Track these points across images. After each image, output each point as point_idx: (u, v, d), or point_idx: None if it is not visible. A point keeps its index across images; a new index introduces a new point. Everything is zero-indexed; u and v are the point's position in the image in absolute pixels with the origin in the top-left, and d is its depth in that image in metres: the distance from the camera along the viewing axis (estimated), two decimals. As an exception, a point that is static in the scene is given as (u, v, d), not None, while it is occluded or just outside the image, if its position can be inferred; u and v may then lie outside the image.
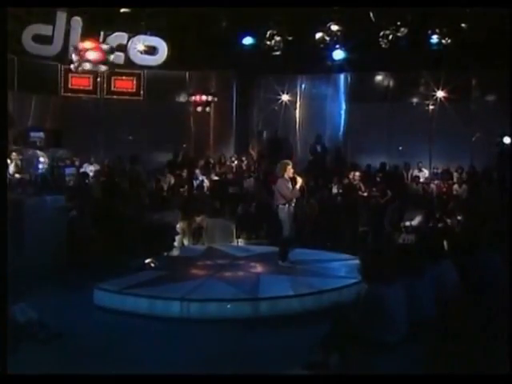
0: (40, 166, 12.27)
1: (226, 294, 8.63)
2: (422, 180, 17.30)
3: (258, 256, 11.41)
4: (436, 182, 17.49)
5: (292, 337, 7.65)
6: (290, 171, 10.62)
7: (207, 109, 17.98)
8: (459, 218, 12.49)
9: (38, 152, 12.46)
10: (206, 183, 15.61)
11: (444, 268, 6.53)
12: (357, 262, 11.11)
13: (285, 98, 18.92)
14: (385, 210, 13.71)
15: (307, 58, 17.70)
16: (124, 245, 11.63)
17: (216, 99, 17.93)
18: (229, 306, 8.30)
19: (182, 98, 18.58)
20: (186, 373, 6.01)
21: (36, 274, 9.74)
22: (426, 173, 17.98)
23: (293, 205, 10.59)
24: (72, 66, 16.40)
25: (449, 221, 12.30)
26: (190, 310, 8.31)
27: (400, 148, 18.69)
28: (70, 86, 17.71)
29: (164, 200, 14.25)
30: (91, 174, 15.37)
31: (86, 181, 14.59)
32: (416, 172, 17.79)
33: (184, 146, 17.06)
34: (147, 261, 10.77)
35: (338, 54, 18.12)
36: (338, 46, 17.71)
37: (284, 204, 10.49)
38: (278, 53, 16.95)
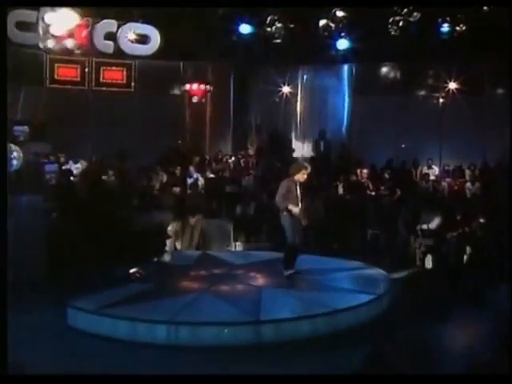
0: (14, 163, 10.60)
1: (221, 314, 7.02)
2: (432, 178, 15.74)
3: (259, 264, 9.80)
4: (447, 179, 15.93)
5: (302, 367, 6.10)
6: (302, 176, 8.86)
7: (203, 99, 16.32)
8: (482, 220, 10.88)
9: (12, 146, 10.81)
10: (201, 181, 13.97)
11: (503, 295, 4.93)
12: (371, 271, 9.77)
13: (285, 89, 17.27)
14: (396, 210, 12.12)
15: (310, 48, 16.10)
16: (110, 251, 10.06)
17: (212, 88, 16.25)
18: (226, 331, 6.70)
19: (176, 90, 16.88)
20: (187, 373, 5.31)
21: (6, 288, 8.13)
22: (436, 170, 16.41)
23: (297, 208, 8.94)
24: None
25: (472, 225, 10.71)
26: (178, 335, 6.71)
27: (403, 145, 17.09)
28: (56, 76, 16.06)
29: (155, 200, 12.64)
30: (76, 171, 13.72)
31: (71, 178, 12.97)
32: (425, 169, 16.22)
33: (179, 141, 15.31)
34: (132, 270, 9.19)
35: (343, 44, 16.55)
36: (342, 35, 16.10)
37: (283, 208, 8.86)
38: (278, 40, 15.32)
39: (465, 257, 10.55)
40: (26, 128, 15.45)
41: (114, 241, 10.41)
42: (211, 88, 16.28)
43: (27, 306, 7.81)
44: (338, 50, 16.61)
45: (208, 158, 16.24)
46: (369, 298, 7.58)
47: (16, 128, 14.65)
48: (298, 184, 8.86)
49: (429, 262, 11.02)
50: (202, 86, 16.12)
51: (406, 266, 10.96)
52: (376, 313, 7.51)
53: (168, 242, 12.00)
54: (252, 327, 6.74)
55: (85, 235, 10.44)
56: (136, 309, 7.28)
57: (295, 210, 8.70)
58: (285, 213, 8.83)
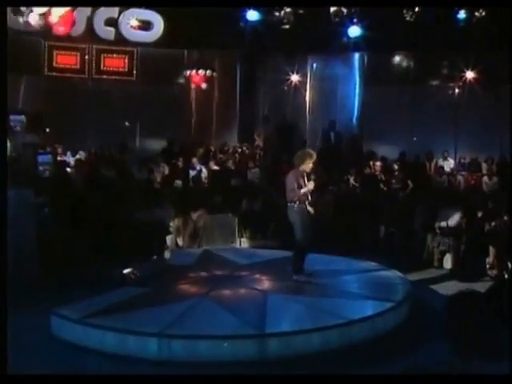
0: (2, 154, 9.69)
1: (222, 325, 6.11)
2: (446, 171, 14.75)
3: (266, 264, 8.91)
4: (463, 173, 14.93)
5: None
6: (308, 166, 8.01)
7: (205, 86, 15.34)
8: (506, 218, 9.92)
9: (1, 136, 9.90)
10: (205, 174, 13.02)
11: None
12: (387, 273, 8.85)
13: (294, 78, 16.23)
14: (412, 206, 11.16)
15: (320, 35, 15.05)
16: (105, 250, 9.19)
17: (215, 74, 15.26)
18: (225, 345, 5.79)
19: (180, 79, 15.88)
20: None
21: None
22: (451, 163, 15.41)
23: (307, 202, 8.03)
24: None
25: (495, 222, 9.75)
26: (171, 349, 5.82)
27: (415, 139, 16.09)
28: (54, 64, 15.14)
29: (155, 194, 11.73)
30: (73, 163, 12.84)
31: (66, 171, 12.09)
32: (440, 161, 15.22)
33: (180, 131, 14.31)
34: (127, 271, 8.29)
35: (355, 31, 15.54)
36: (354, 21, 15.10)
37: (294, 202, 7.95)
38: (287, 26, 14.31)
39: (487, 259, 9.65)
40: (22, 117, 14.63)
41: (109, 238, 9.58)
42: (214, 74, 15.26)
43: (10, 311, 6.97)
44: (349, 38, 15.60)
45: (213, 149, 15.27)
46: (387, 305, 6.65)
47: (13, 117, 13.82)
48: (305, 175, 7.98)
49: (447, 263, 10.10)
50: (204, 72, 15.10)
51: (423, 267, 10.07)
52: (395, 323, 6.59)
53: (169, 238, 11.19)
54: (255, 341, 5.82)
55: (77, 232, 9.60)
56: (126, 318, 6.39)
57: (310, 186, 7.85)
58: (295, 207, 7.93)
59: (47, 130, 14.89)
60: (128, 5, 14.79)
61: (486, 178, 14.24)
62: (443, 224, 10.30)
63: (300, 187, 7.87)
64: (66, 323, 6.48)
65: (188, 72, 15.19)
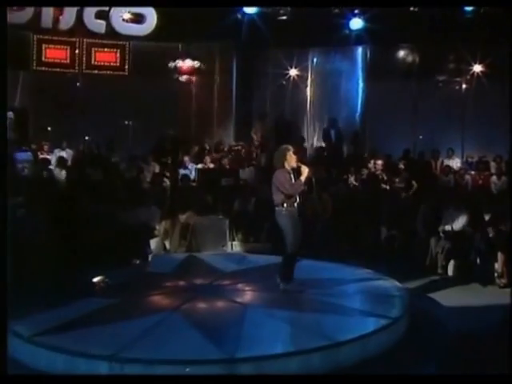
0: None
1: (187, 346, 5.20)
2: (453, 170, 13.76)
3: (253, 271, 8.03)
4: (471, 172, 13.92)
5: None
6: (292, 160, 7.23)
7: (193, 78, 14.42)
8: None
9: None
10: (196, 173, 12.13)
11: None
12: (384, 283, 7.92)
13: (293, 73, 15.26)
14: (415, 207, 10.21)
15: (320, 27, 14.10)
16: (83, 255, 8.31)
17: (203, 66, 14.33)
18: (187, 371, 4.88)
19: (168, 72, 14.88)
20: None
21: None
22: (457, 161, 14.42)
23: (296, 205, 7.16)
24: None
25: (504, 226, 8.78)
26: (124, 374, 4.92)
27: (421, 137, 15.12)
28: (44, 58, 14.29)
29: (142, 194, 10.85)
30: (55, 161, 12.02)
31: (48, 169, 11.27)
32: (446, 161, 14.24)
33: (172, 130, 13.42)
34: (96, 279, 7.43)
35: (356, 23, 14.59)
36: (356, 12, 14.16)
37: (283, 204, 7.09)
38: (284, 17, 13.37)
39: (496, 264, 8.70)
40: (10, 114, 13.90)
41: (85, 242, 8.72)
42: (201, 65, 14.33)
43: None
44: (351, 31, 14.66)
45: (208, 147, 14.37)
46: (381, 323, 5.73)
47: (-1, 114, 13.04)
48: (291, 172, 7.13)
49: (452, 269, 9.14)
50: (190, 62, 14.17)
51: (426, 274, 9.13)
52: (390, 343, 5.66)
53: (154, 242, 10.33)
54: (223, 367, 4.91)
55: (51, 235, 8.75)
56: (82, 335, 5.51)
57: (303, 178, 7.07)
58: (284, 210, 7.08)
59: (49, 128, 14.21)
60: (127, 5, 13.99)
61: (494, 178, 13.25)
62: (448, 227, 9.36)
63: (289, 183, 7.06)
64: (16, 341, 5.60)
65: (174, 63, 14.23)
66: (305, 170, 7.19)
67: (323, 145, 14.76)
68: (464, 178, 13.50)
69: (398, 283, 7.35)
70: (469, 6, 12.69)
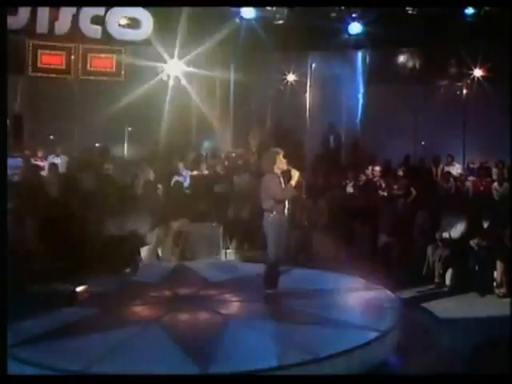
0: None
1: (161, 360, 4.92)
2: (453, 176, 13.41)
3: (242, 281, 7.73)
4: (471, 178, 13.57)
5: None
6: (281, 163, 6.96)
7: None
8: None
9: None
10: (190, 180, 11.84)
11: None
12: (375, 293, 7.58)
13: (291, 78, 15.01)
14: (412, 214, 9.89)
15: (318, 32, 13.81)
16: (73, 262, 8.06)
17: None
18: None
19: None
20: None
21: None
22: (458, 168, 14.08)
23: (286, 212, 6.89)
24: None
25: (504, 233, 8.44)
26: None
27: (423, 143, 14.81)
28: (39, 64, 14.04)
29: (134, 200, 10.58)
30: (46, 167, 11.79)
31: (39, 176, 11.03)
32: (446, 167, 13.89)
33: (169, 135, 13.11)
34: (79, 289, 7.16)
35: (355, 28, 14.32)
36: (354, 16, 13.89)
37: (272, 211, 6.81)
38: (280, 22, 13.11)
39: (495, 273, 8.36)
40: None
41: (72, 249, 8.46)
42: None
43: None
44: (350, 35, 14.38)
45: (205, 154, 14.09)
46: (367, 337, 5.41)
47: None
48: (281, 177, 6.86)
49: (450, 278, 8.80)
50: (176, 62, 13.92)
51: (423, 283, 8.79)
52: (378, 358, 5.35)
53: (146, 250, 10.06)
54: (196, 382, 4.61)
55: (37, 243, 8.50)
56: (55, 348, 5.24)
57: (296, 174, 6.83)
58: (271, 216, 6.82)
59: (51, 137, 13.99)
60: (126, 5, 13.75)
61: (495, 184, 12.89)
62: (445, 235, 9.03)
63: (279, 187, 6.79)
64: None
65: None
66: (295, 174, 6.93)
67: (321, 150, 14.46)
68: (465, 185, 13.18)
69: (390, 293, 7.04)
70: (469, 6, 12.37)
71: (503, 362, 5.37)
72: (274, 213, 6.81)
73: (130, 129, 14.74)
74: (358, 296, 6.95)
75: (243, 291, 7.17)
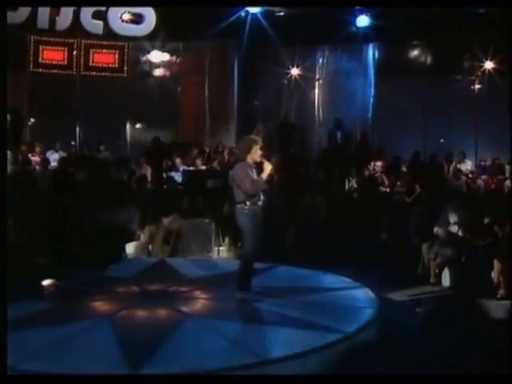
0: None
1: (96, 358, 4.49)
2: (464, 173, 12.74)
3: (220, 278, 7.26)
4: (483, 176, 12.88)
5: None
6: (256, 154, 6.44)
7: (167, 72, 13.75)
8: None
9: None
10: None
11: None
12: (355, 292, 7.00)
13: (297, 72, 14.42)
14: (411, 212, 9.28)
15: (324, 25, 13.27)
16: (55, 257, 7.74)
17: (180, 60, 13.64)
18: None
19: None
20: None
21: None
22: (469, 165, 13.39)
23: (260, 203, 6.40)
24: None
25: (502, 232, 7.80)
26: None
27: (433, 139, 14.16)
28: (41, 60, 13.83)
29: (125, 196, 10.21)
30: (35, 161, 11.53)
31: (29, 170, 10.76)
32: (458, 164, 13.21)
33: (170, 130, 12.69)
34: (47, 282, 6.80)
35: (363, 21, 13.77)
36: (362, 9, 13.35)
37: (245, 202, 6.33)
38: (287, 14, 12.61)
39: (492, 273, 7.72)
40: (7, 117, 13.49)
41: (56, 244, 8.13)
42: (178, 59, 13.66)
43: None
44: (357, 28, 13.81)
45: (208, 150, 13.66)
46: (328, 338, 4.89)
47: (-5, 116, 12.66)
48: (253, 167, 6.37)
49: (446, 279, 8.18)
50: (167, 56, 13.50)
51: (417, 283, 8.19)
52: (339, 359, 4.83)
53: (136, 246, 9.70)
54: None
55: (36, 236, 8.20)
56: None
57: (269, 167, 6.33)
58: (246, 209, 6.33)
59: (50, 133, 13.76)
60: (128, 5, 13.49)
61: (508, 182, 12.19)
62: (442, 232, 8.39)
63: (249, 179, 6.28)
64: None
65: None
66: (267, 168, 6.42)
67: (328, 146, 13.90)
68: (476, 183, 12.51)
69: (371, 294, 6.48)
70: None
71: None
72: (248, 204, 6.32)
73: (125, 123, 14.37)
74: (334, 296, 6.41)
75: (216, 289, 6.71)
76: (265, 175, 6.38)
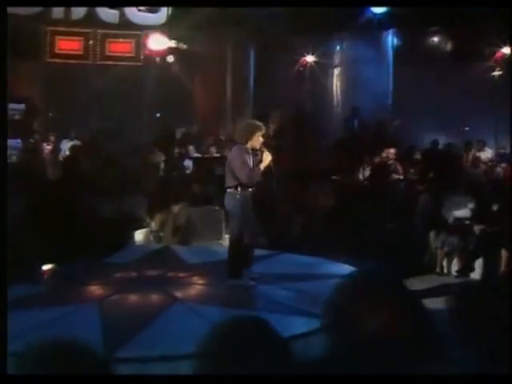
0: None
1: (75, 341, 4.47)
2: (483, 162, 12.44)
3: (220, 264, 7.16)
4: (503, 164, 12.55)
5: None
6: (257, 141, 6.29)
7: (169, 59, 13.63)
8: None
9: None
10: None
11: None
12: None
13: (312, 59, 14.19)
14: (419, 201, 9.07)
15: (341, 12, 13.03)
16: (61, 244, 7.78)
17: (183, 46, 13.51)
18: None
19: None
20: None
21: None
22: (489, 153, 13.07)
23: (250, 190, 6.29)
24: None
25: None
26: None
27: (467, 128, 13.84)
28: (56, 50, 13.90)
29: (133, 183, 10.22)
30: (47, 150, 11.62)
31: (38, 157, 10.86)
32: (476, 152, 12.90)
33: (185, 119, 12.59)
34: (46, 267, 6.82)
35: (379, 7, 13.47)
36: None
37: (237, 187, 6.22)
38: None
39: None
40: (22, 106, 13.62)
41: (62, 231, 8.17)
42: (193, 48, 13.55)
43: None
44: (374, 15, 13.53)
45: (223, 138, 13.58)
46: (313, 325, 4.79)
47: (12, 106, 12.77)
48: (251, 154, 6.24)
49: (454, 268, 7.99)
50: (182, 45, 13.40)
51: (424, 272, 8.00)
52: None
53: (144, 233, 9.71)
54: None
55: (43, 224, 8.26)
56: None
57: (268, 158, 6.18)
58: (238, 194, 6.23)
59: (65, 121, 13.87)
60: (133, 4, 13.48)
61: (527, 170, 11.84)
62: (450, 220, 8.17)
63: (246, 166, 6.15)
64: None
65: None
66: (267, 158, 6.26)
67: (344, 134, 13.69)
68: (494, 171, 12.20)
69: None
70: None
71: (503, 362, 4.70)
72: (239, 190, 6.22)
73: (158, 115, 14.41)
74: (330, 283, 6.26)
75: (215, 275, 6.64)
76: (263, 166, 6.23)
